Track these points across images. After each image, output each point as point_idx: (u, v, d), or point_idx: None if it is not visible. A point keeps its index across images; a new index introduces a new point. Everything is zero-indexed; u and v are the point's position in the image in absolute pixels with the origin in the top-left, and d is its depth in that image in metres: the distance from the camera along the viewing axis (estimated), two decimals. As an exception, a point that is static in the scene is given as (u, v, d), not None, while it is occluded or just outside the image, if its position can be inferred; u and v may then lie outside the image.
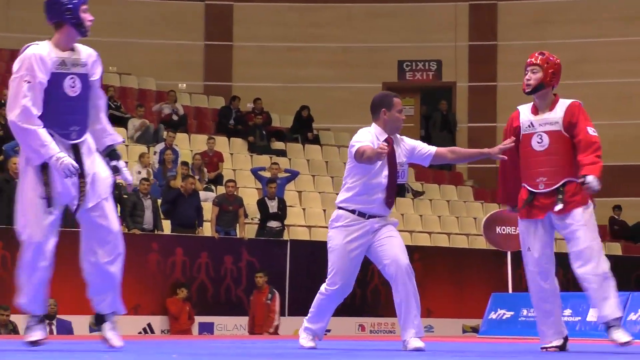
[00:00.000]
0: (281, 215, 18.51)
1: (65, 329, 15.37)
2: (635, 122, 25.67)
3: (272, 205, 18.46)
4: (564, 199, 8.02)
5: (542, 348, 8.26)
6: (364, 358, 6.80)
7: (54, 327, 15.16)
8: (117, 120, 22.11)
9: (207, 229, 17.94)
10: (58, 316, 15.28)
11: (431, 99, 26.84)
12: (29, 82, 6.85)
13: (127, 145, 21.12)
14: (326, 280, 8.19)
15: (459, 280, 18.99)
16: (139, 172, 19.00)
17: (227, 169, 21.26)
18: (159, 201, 18.10)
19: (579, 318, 12.71)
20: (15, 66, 6.93)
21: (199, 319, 16.93)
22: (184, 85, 25.72)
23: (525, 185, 8.17)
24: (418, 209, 22.11)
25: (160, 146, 20.45)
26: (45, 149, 6.81)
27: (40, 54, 6.92)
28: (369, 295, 17.93)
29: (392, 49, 26.53)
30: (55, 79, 6.94)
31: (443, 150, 8.53)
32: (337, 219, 8.16)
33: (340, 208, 8.14)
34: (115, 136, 7.36)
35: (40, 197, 6.98)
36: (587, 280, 8.21)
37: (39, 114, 6.85)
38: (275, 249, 17.81)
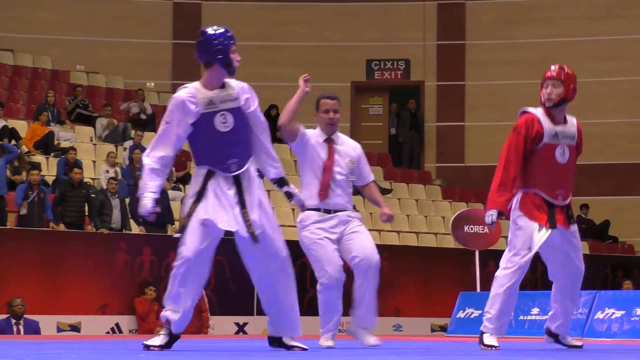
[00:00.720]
0: (249, 214, 18.44)
1: (32, 329, 15.29)
2: (601, 122, 25.78)
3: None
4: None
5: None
6: (334, 357, 6.80)
7: (21, 327, 15.07)
8: (85, 119, 22.03)
9: (176, 228, 17.89)
10: (25, 316, 15.18)
11: (400, 98, 26.88)
12: (167, 123, 7.26)
13: (94, 145, 21.04)
14: (317, 279, 8.37)
15: (428, 279, 19.02)
16: (107, 172, 18.94)
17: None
18: (127, 200, 18.04)
19: (547, 317, 12.75)
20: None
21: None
22: (152, 84, 25.63)
23: (541, 194, 8.17)
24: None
25: (128, 143, 20.39)
26: (141, 187, 7.41)
27: (183, 99, 7.21)
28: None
29: (360, 48, 26.55)
30: (206, 118, 7.23)
31: (370, 185, 9.05)
32: (305, 218, 8.37)
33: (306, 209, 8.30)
34: (280, 170, 7.55)
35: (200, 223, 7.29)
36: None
37: (164, 154, 7.28)
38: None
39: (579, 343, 8.72)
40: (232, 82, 7.50)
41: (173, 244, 18.43)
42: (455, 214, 16.76)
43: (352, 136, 29.33)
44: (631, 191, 25.48)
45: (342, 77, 26.15)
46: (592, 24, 26.03)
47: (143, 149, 20.05)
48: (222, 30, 7.46)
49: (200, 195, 7.23)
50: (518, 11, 26.36)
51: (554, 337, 8.69)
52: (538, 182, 8.18)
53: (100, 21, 26.07)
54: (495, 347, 8.18)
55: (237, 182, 7.23)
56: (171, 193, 18.71)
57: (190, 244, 7.31)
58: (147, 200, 7.29)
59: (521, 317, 13.14)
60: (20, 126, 20.41)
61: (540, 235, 8.12)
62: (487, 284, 17.50)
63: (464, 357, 6.82)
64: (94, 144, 21.07)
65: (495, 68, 26.11)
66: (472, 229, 15.81)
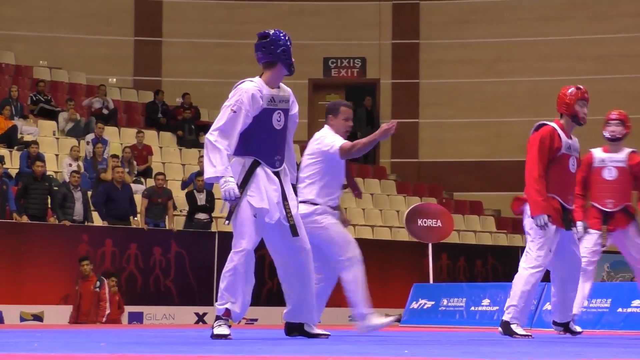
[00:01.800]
0: (209, 207, 18.45)
1: (-5, 318, 15.20)
2: (548, 119, 25.93)
3: (201, 198, 18.39)
4: None
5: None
6: (323, 344, 6.81)
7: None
8: (48, 114, 21.89)
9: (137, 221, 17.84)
10: (-12, 306, 15.09)
11: (356, 95, 26.91)
12: (234, 112, 7.31)
13: (57, 139, 20.91)
14: (344, 256, 8.62)
15: (382, 271, 19.04)
16: (70, 165, 18.83)
17: (156, 162, 21.15)
18: (89, 193, 17.95)
19: (497, 307, 12.83)
20: (230, 95, 7.42)
21: (128, 308, 16.81)
22: (114, 79, 25.50)
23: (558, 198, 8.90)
24: (343, 202, 22.05)
25: (90, 136, 20.30)
26: (220, 169, 7.22)
27: (253, 92, 7.39)
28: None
29: (317, 46, 26.54)
30: (266, 114, 7.44)
31: None
32: (314, 211, 8.59)
33: (312, 203, 8.59)
34: (294, 177, 7.84)
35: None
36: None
37: (230, 142, 7.29)
38: (203, 240, 17.77)
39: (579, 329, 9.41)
40: (284, 86, 7.71)
41: (134, 236, 18.46)
42: (409, 208, 16.82)
43: (310, 132, 29.40)
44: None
45: (299, 75, 25.92)
46: (542, 24, 26.18)
47: (104, 142, 19.99)
48: (282, 32, 7.66)
49: (245, 184, 7.35)
50: (471, 12, 26.46)
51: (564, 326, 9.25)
52: (555, 188, 8.89)
53: (64, 17, 25.90)
54: (530, 335, 8.65)
55: (278, 177, 7.46)
56: (132, 186, 18.63)
57: (249, 236, 7.38)
58: (232, 184, 7.25)
59: (472, 308, 13.21)
60: (-16, 120, 20.24)
61: (557, 237, 8.76)
62: (439, 276, 17.61)
63: (416, 345, 6.86)
64: (56, 138, 20.94)
65: (448, 67, 26.20)
66: (425, 222, 15.88)
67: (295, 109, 7.71)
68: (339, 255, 8.66)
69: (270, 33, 7.62)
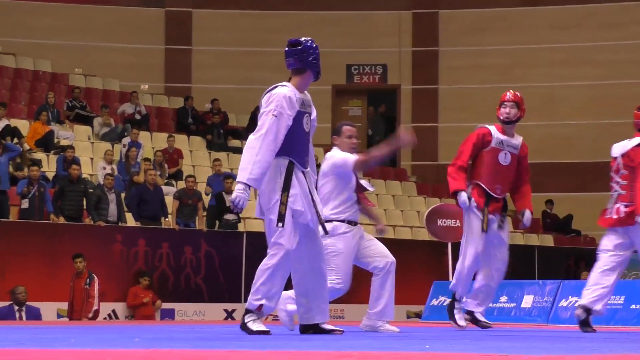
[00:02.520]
0: (238, 208, 18.41)
1: (34, 315, 15.23)
2: (562, 123, 25.88)
3: (229, 199, 18.37)
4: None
5: None
6: (340, 340, 6.79)
7: (23, 314, 15.00)
8: (83, 119, 21.95)
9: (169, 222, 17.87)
10: (27, 303, 15.12)
11: (377, 100, 26.90)
12: (275, 116, 7.33)
13: (92, 143, 20.97)
14: (334, 278, 8.63)
15: (403, 269, 18.81)
16: (104, 168, 18.88)
17: (186, 165, 21.18)
18: (123, 195, 17.99)
19: (514, 304, 12.78)
20: (265, 101, 7.45)
21: (163, 305, 16.83)
22: (146, 86, 25.55)
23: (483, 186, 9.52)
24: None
25: (126, 140, 20.35)
26: (251, 173, 7.18)
27: (290, 95, 7.43)
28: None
29: (340, 54, 26.52)
30: (298, 117, 7.49)
31: None
32: (335, 228, 8.68)
33: (333, 220, 8.71)
34: (315, 178, 7.87)
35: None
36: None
37: (274, 147, 7.28)
38: (231, 240, 17.78)
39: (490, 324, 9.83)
40: (305, 91, 7.71)
41: (166, 236, 18.48)
42: (429, 209, 16.76)
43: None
44: (593, 188, 25.53)
45: (323, 81, 25.83)
46: (555, 32, 26.10)
47: (138, 146, 20.03)
48: (312, 40, 7.66)
49: (287, 185, 7.37)
50: (487, 20, 26.40)
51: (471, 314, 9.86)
52: (484, 177, 9.47)
53: (97, 27, 25.99)
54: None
55: (307, 178, 7.52)
56: (164, 188, 18.66)
57: (290, 236, 7.36)
58: (242, 196, 7.25)
59: (490, 305, 13.15)
60: (22, 125, 20.32)
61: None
62: (458, 274, 17.53)
63: (437, 341, 6.83)
64: (91, 142, 21.00)
65: (465, 73, 26.14)
66: (444, 222, 15.82)
67: (314, 113, 7.76)
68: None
69: (302, 41, 7.63)
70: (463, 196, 9.34)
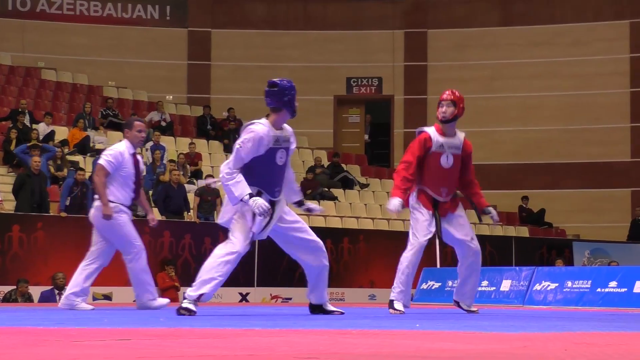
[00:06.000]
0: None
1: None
2: (536, 128, 25.84)
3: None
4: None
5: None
6: (337, 320, 6.77)
7: (63, 297, 14.97)
8: (115, 126, 21.95)
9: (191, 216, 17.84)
10: (66, 287, 15.08)
11: (373, 109, 26.90)
12: (240, 147, 7.27)
13: (123, 146, 20.94)
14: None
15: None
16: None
17: (205, 166, 21.16)
18: (150, 192, 17.97)
19: (494, 288, 12.75)
20: (242, 134, 7.33)
21: (184, 289, 16.79)
22: (171, 97, 25.56)
23: (428, 190, 8.41)
24: (363, 198, 22.12)
25: (149, 144, 20.35)
26: (242, 193, 7.20)
27: (262, 136, 7.28)
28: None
29: (341, 68, 26.51)
30: (271, 153, 7.35)
31: None
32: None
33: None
34: (299, 194, 7.85)
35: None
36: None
37: (238, 169, 7.27)
38: (246, 232, 17.73)
39: (475, 309, 8.84)
40: (286, 126, 7.59)
41: (188, 228, 18.41)
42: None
43: (335, 141, 29.16)
44: (562, 185, 25.54)
45: (326, 92, 26.13)
46: (530, 49, 26.07)
47: (162, 148, 20.02)
48: (289, 82, 7.48)
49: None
50: (470, 38, 26.37)
51: (457, 303, 8.85)
52: (428, 182, 8.39)
53: (129, 45, 26.00)
54: (402, 312, 8.27)
55: (273, 205, 7.42)
56: (186, 186, 18.65)
57: (243, 241, 7.55)
58: (260, 199, 7.24)
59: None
60: (62, 131, 20.33)
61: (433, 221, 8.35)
62: (445, 261, 17.52)
63: (426, 320, 6.80)
64: (122, 146, 20.97)
65: (451, 84, 25.87)
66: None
67: (294, 144, 7.60)
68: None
69: (279, 82, 7.44)
70: (395, 201, 8.19)
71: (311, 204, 7.90)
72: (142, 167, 9.64)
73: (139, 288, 9.27)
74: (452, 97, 8.40)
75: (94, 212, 9.29)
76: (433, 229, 8.38)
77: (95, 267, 9.28)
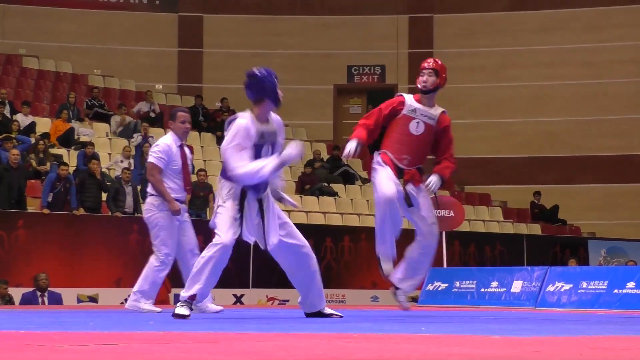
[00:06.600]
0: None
1: (56, 300, 15.20)
2: (549, 120, 25.84)
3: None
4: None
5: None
6: (337, 323, 6.76)
7: (45, 299, 14.97)
8: (101, 117, 21.94)
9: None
10: (49, 289, 15.09)
11: (376, 99, 26.86)
12: (237, 144, 7.17)
13: (110, 139, 20.94)
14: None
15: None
16: (121, 162, 18.86)
17: (197, 159, 21.14)
18: (139, 187, 17.96)
19: (505, 289, 12.75)
20: (229, 135, 7.22)
21: (174, 290, 16.81)
22: (160, 86, 25.55)
23: (390, 155, 8.27)
24: (365, 194, 22.11)
25: (138, 136, 20.32)
26: (266, 168, 7.09)
27: (247, 128, 7.20)
28: (322, 269, 17.89)
29: (342, 56, 26.50)
30: (256, 150, 7.23)
31: None
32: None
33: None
34: (281, 183, 7.67)
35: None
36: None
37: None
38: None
39: (409, 305, 8.79)
40: (272, 115, 7.44)
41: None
42: (425, 200, 16.71)
43: (335, 133, 29.15)
44: (577, 180, 25.55)
45: (325, 81, 26.12)
46: (541, 35, 26.07)
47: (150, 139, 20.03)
48: (267, 70, 7.36)
49: (241, 208, 7.37)
50: (478, 24, 26.36)
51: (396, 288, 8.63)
52: (391, 146, 8.24)
53: (115, 32, 25.98)
54: (389, 269, 8.66)
55: (260, 202, 7.39)
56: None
57: (228, 233, 7.60)
58: (288, 150, 7.17)
59: (482, 290, 13.13)
60: (45, 123, 20.31)
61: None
62: (452, 261, 17.52)
63: (433, 323, 6.80)
64: (109, 139, 20.98)
65: (459, 73, 26.06)
66: (439, 213, 15.77)
67: (282, 136, 7.46)
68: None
69: (256, 72, 7.33)
70: (352, 143, 8.13)
71: (288, 197, 7.71)
72: (191, 157, 9.72)
73: (142, 282, 9.35)
74: (434, 65, 8.29)
75: (144, 213, 9.56)
76: (399, 185, 8.15)
77: (186, 269, 9.41)
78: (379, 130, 8.35)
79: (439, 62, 8.37)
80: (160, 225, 9.40)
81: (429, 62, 8.33)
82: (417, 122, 8.19)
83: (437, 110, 8.32)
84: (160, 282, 9.59)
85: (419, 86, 8.25)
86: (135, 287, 9.49)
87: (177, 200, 9.42)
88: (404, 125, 8.19)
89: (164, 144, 9.39)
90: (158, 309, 9.44)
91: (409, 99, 8.27)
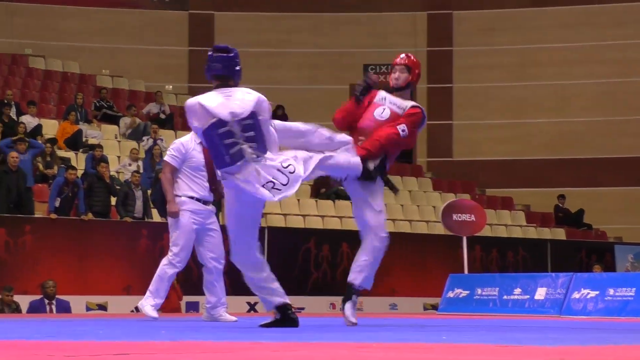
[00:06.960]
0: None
1: (64, 308, 15.25)
2: (573, 120, 25.79)
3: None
4: None
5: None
6: (343, 332, 6.78)
7: (53, 307, 15.03)
8: (110, 119, 22.00)
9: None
10: (57, 297, 15.15)
11: (393, 99, 26.86)
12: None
13: (119, 141, 21.00)
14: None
15: (420, 262, 18.98)
16: (130, 165, 18.90)
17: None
18: (149, 191, 18.00)
19: (528, 296, 12.74)
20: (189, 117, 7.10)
21: (186, 298, 16.84)
22: (170, 86, 25.60)
23: None
24: (384, 197, 22.08)
25: (147, 138, 20.35)
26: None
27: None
28: (339, 276, 17.90)
29: (357, 54, 26.51)
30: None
31: None
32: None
33: None
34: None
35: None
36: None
37: None
38: (253, 234, 17.73)
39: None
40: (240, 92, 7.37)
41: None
42: (445, 204, 16.72)
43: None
44: (603, 183, 25.48)
45: (341, 80, 26.11)
46: (564, 31, 26.02)
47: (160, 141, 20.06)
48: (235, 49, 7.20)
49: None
50: (499, 20, 26.33)
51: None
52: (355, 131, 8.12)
53: (124, 30, 26.05)
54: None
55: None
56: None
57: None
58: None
59: (505, 297, 13.11)
60: (51, 125, 20.38)
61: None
62: (473, 267, 17.51)
63: (454, 332, 6.80)
64: (118, 141, 21.03)
65: (479, 72, 26.08)
66: (460, 217, 15.79)
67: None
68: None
69: (231, 48, 7.21)
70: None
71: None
72: None
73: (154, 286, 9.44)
74: (406, 61, 8.18)
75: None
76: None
77: (206, 275, 9.49)
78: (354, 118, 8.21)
79: (412, 57, 8.28)
80: (175, 225, 9.52)
81: (401, 58, 8.22)
82: (384, 109, 8.02)
83: (408, 103, 8.14)
84: (165, 277, 9.62)
85: (391, 83, 8.16)
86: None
87: (200, 200, 9.55)
88: (370, 111, 8.05)
89: (179, 142, 9.54)
90: (233, 318, 9.41)
91: (383, 92, 8.14)
